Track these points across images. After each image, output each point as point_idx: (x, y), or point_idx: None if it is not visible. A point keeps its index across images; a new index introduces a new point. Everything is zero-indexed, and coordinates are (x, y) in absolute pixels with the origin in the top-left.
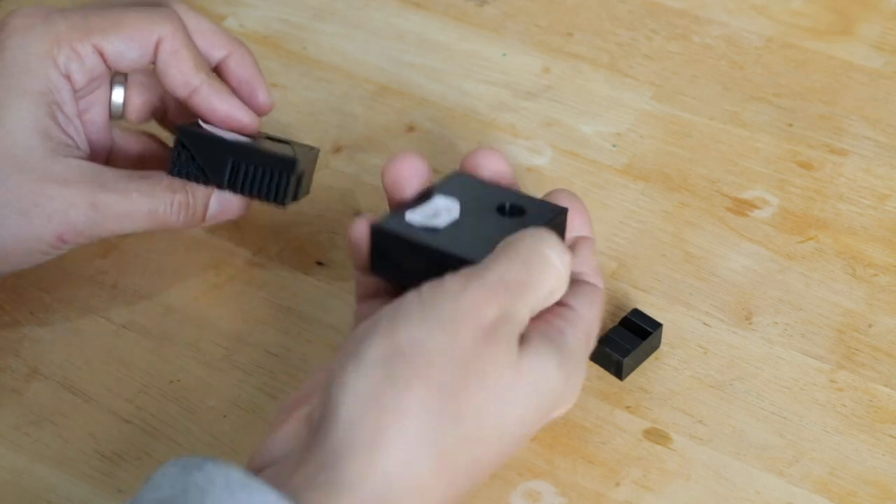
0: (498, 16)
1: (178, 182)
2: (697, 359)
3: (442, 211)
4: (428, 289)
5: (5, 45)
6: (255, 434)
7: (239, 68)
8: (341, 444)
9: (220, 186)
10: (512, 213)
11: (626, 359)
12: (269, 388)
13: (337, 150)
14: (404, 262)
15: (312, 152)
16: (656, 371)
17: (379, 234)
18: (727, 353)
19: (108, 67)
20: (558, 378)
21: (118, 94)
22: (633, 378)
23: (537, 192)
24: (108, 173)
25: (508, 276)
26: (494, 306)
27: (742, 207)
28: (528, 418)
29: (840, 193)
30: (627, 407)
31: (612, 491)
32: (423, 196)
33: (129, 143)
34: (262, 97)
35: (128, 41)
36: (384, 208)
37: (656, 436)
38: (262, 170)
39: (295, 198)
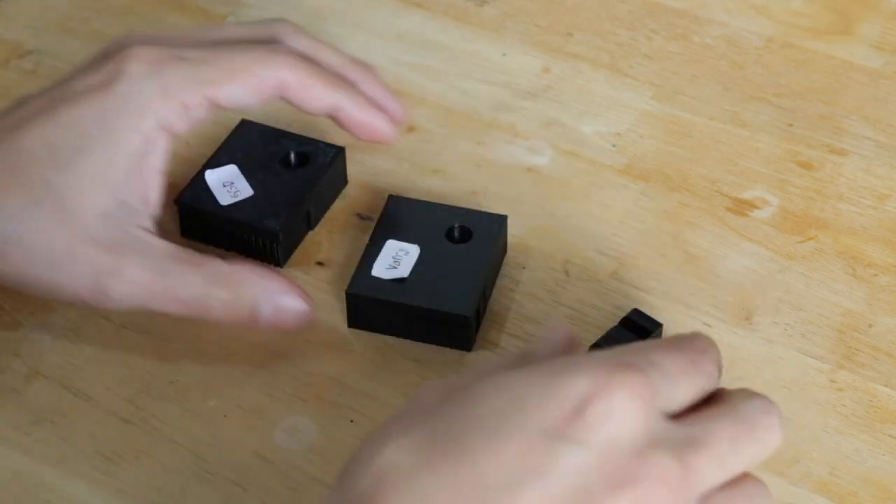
0: (498, 16)
1: (223, 277)
2: None
3: (400, 255)
4: None
5: (113, 90)
6: (255, 434)
7: (369, 92)
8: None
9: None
10: (461, 236)
11: None
12: (269, 388)
13: None
14: (384, 317)
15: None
16: None
17: (353, 298)
18: (727, 353)
19: (218, 107)
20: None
21: None
22: None
23: (537, 192)
24: (155, 249)
25: None
26: None
27: (742, 207)
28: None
29: (840, 193)
30: None
31: None
32: (375, 240)
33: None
34: (395, 112)
35: (243, 89)
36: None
37: None
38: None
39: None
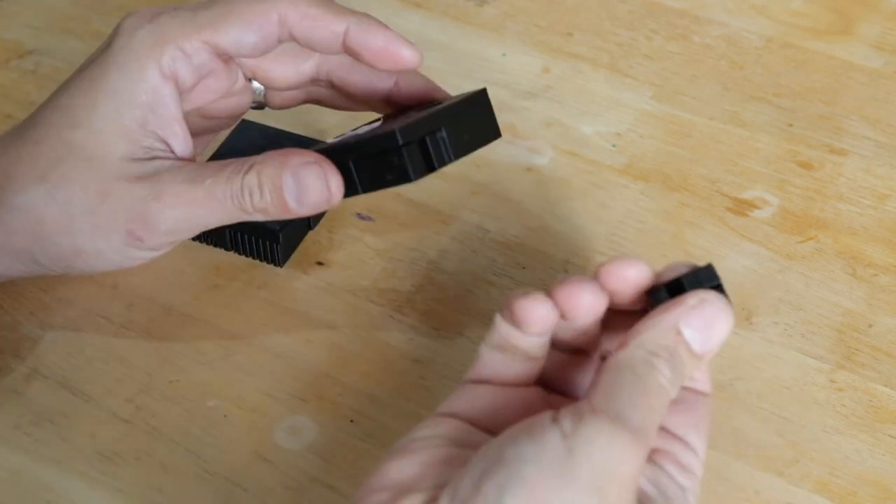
0: (498, 16)
1: (250, 164)
2: None
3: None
4: (571, 428)
5: (111, 47)
6: (255, 434)
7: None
8: None
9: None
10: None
11: None
12: (269, 388)
13: None
14: (340, 167)
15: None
16: None
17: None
18: (727, 353)
19: (227, 58)
20: None
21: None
22: None
23: (537, 192)
24: (185, 168)
25: (645, 418)
26: (640, 460)
27: (742, 207)
28: None
29: (840, 193)
30: None
31: None
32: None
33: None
34: (406, 55)
35: (242, 28)
36: (383, 207)
37: None
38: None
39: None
